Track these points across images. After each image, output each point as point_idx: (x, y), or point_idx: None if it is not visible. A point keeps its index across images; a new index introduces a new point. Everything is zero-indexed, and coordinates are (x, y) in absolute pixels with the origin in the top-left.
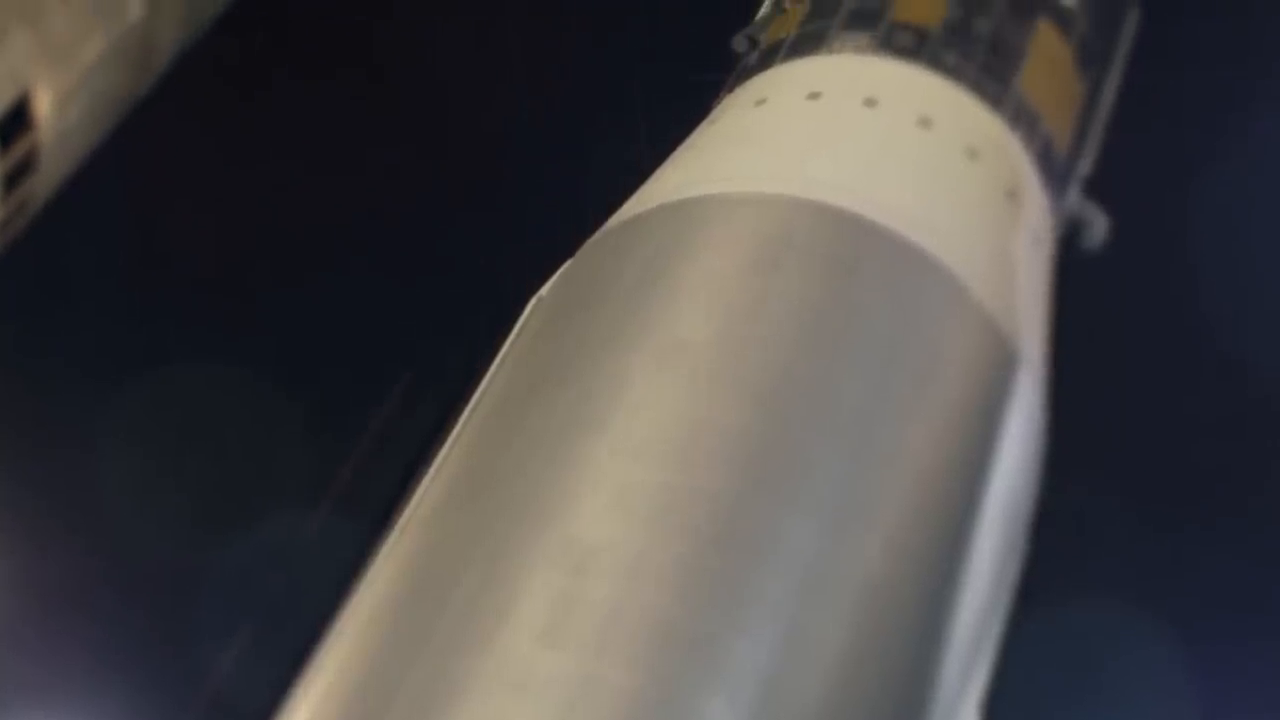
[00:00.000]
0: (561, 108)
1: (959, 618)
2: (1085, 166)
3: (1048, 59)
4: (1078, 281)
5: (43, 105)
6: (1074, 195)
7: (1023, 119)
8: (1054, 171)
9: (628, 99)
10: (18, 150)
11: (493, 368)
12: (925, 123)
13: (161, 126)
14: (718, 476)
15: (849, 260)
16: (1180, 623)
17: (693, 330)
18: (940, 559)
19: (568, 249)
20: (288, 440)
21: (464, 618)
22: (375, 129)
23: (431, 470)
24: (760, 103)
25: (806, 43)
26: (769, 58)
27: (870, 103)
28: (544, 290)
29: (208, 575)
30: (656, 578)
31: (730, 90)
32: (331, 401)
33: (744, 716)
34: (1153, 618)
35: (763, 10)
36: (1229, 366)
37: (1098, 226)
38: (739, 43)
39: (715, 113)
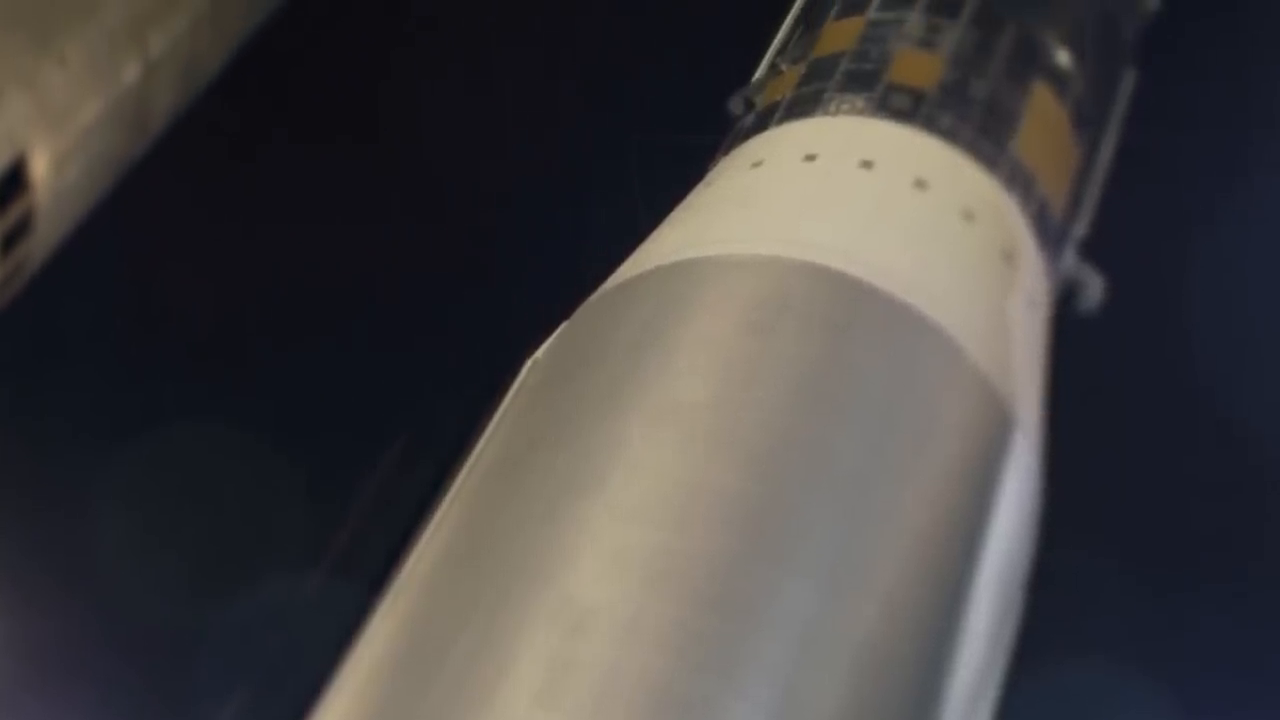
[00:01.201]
0: (557, 170)
1: (956, 678)
2: (1081, 228)
3: (1044, 121)
4: (1074, 344)
5: (39, 167)
6: (1070, 257)
7: (1019, 181)
8: (1050, 233)
9: (623, 161)
10: (14, 212)
11: (489, 429)
12: (921, 185)
13: (158, 189)
14: (714, 538)
15: (845, 322)
16: (1178, 684)
17: (689, 392)
18: (937, 620)
19: (564, 311)
20: (285, 501)
21: (461, 678)
22: (371, 192)
23: (428, 531)
24: (756, 165)
25: (802, 105)
26: (765, 120)
27: (866, 165)
28: (540, 352)
29: (205, 636)
30: (653, 639)
31: (726, 152)
32: (329, 463)
33: None
34: (1150, 679)
35: (759, 72)
36: (1227, 429)
37: (1094, 288)
38: (735, 105)
39: (711, 175)
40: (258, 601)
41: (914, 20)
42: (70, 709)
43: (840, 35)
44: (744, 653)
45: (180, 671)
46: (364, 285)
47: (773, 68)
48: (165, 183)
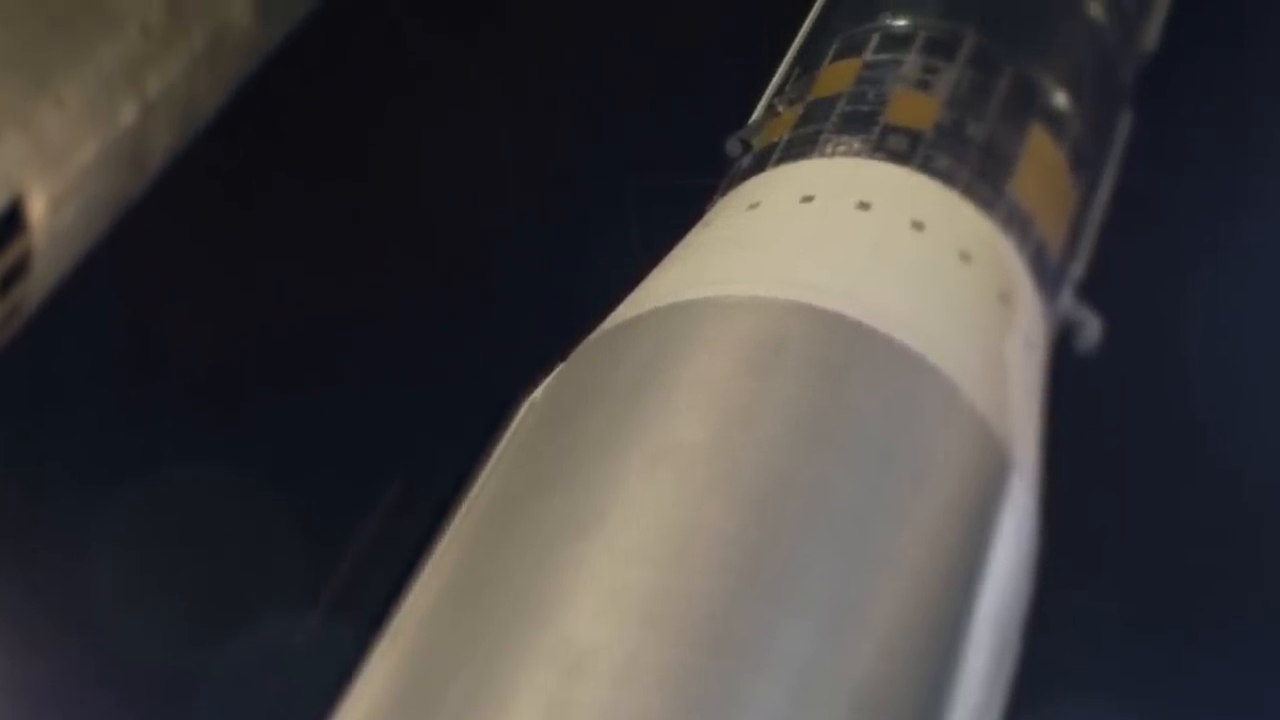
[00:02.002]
0: (554, 211)
1: (954, 719)
2: (1079, 269)
3: (1040, 162)
4: (1072, 385)
5: (36, 209)
6: (1067, 298)
7: (1016, 222)
8: (1047, 274)
9: (620, 203)
10: (11, 254)
11: (486, 469)
12: (918, 226)
13: (155, 230)
14: (712, 578)
15: (842, 363)
16: None
17: (687, 433)
18: (934, 661)
19: (561, 352)
20: (283, 544)
21: (459, 718)
22: (369, 234)
23: (426, 571)
24: (754, 206)
25: (799, 146)
26: (762, 161)
27: (863, 206)
28: (537, 393)
29: (203, 678)
30: (650, 680)
31: (723, 194)
32: (327, 504)
33: None
34: None
35: (755, 114)
36: (1225, 470)
37: (1091, 329)
38: (732, 146)
39: (708, 216)
40: (256, 643)
41: (911, 62)
42: None
43: (837, 77)
44: (742, 692)
45: (179, 713)
46: (361, 327)
47: (769, 109)
48: (163, 224)
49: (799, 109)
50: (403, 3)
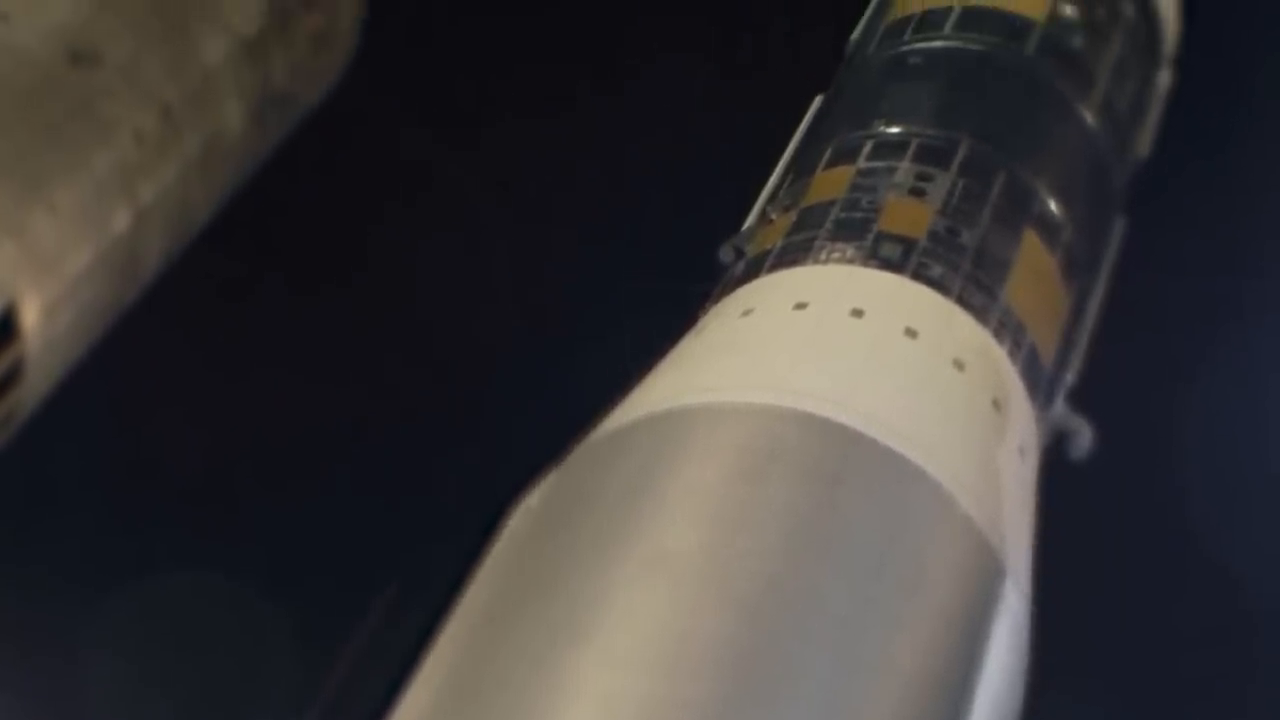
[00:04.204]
0: (547, 316)
1: None
2: (1072, 375)
3: (1034, 268)
4: (1064, 492)
5: (29, 316)
6: (1060, 404)
7: (1009, 329)
8: (1040, 381)
9: (613, 308)
10: (4, 361)
11: (478, 575)
12: (912, 333)
13: (148, 336)
14: (704, 686)
15: (836, 470)
16: None
17: (679, 540)
18: None
19: (554, 457)
20: (274, 649)
21: None
22: (362, 340)
23: (419, 677)
24: (747, 313)
25: (793, 252)
26: (755, 268)
27: (857, 313)
28: (530, 498)
29: None
30: None
31: (717, 300)
32: (319, 610)
33: None
34: None
35: (749, 220)
36: (1217, 576)
37: (1084, 436)
38: (725, 253)
39: (702, 322)
40: None
41: (904, 169)
42: None
43: (831, 184)
44: None
45: None
46: (354, 432)
47: (763, 215)
48: (156, 330)
49: (793, 215)
50: (397, 109)
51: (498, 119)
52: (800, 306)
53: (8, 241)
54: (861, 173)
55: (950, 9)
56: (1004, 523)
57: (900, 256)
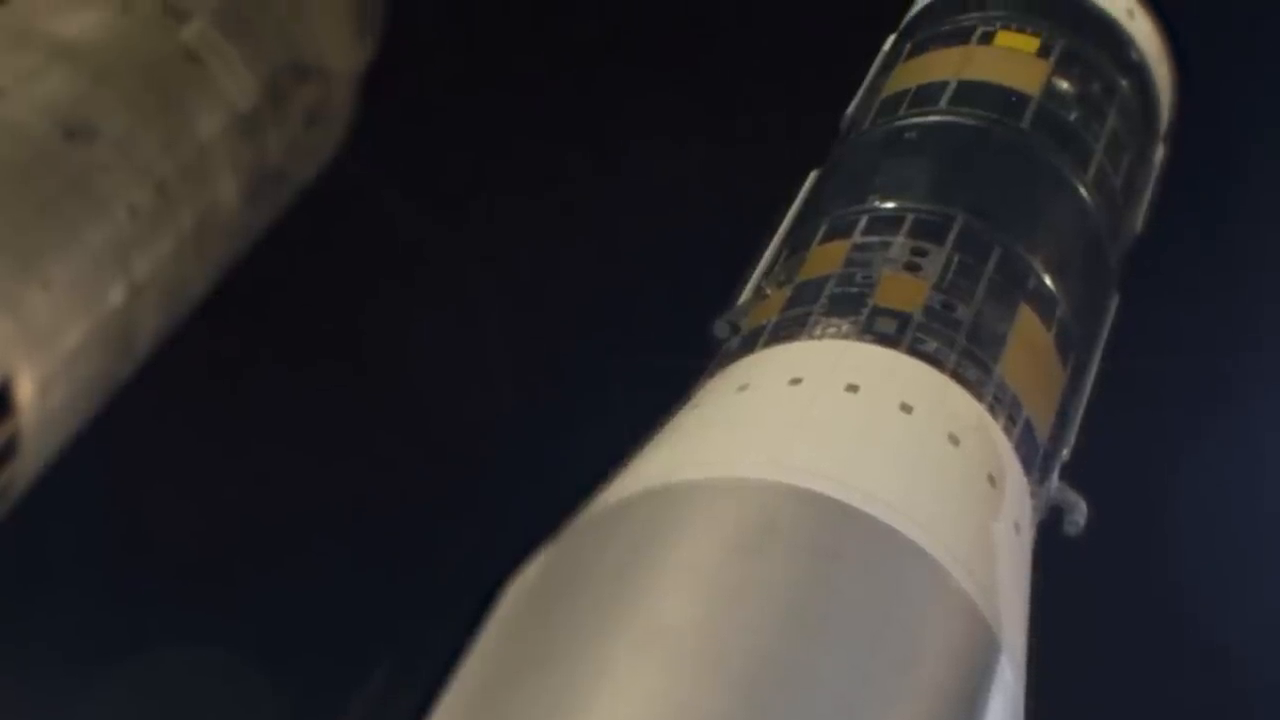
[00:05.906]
0: (542, 393)
1: None
2: (1066, 450)
3: (1028, 344)
4: (1059, 567)
5: (24, 391)
6: (1055, 480)
7: (1004, 404)
8: (1035, 455)
9: (608, 383)
10: None
11: (474, 649)
12: (907, 409)
13: (143, 412)
14: None
15: (831, 546)
16: None
17: (675, 615)
18: None
19: (549, 533)
20: None
21: None
22: (356, 416)
23: None
24: (742, 388)
25: (788, 328)
26: (750, 343)
27: (852, 389)
28: (525, 574)
29: None
30: None
31: (711, 375)
32: (314, 687)
33: None
34: None
35: (744, 295)
36: (1211, 653)
37: (1078, 512)
38: (720, 328)
39: (697, 397)
40: None
41: (899, 244)
42: None
43: (826, 259)
44: None
45: None
46: (349, 509)
47: (758, 291)
48: (151, 405)
49: (788, 290)
50: (393, 186)
51: (494, 196)
52: (795, 382)
53: (2, 317)
54: (857, 247)
55: (946, 82)
56: (999, 598)
57: (895, 331)
